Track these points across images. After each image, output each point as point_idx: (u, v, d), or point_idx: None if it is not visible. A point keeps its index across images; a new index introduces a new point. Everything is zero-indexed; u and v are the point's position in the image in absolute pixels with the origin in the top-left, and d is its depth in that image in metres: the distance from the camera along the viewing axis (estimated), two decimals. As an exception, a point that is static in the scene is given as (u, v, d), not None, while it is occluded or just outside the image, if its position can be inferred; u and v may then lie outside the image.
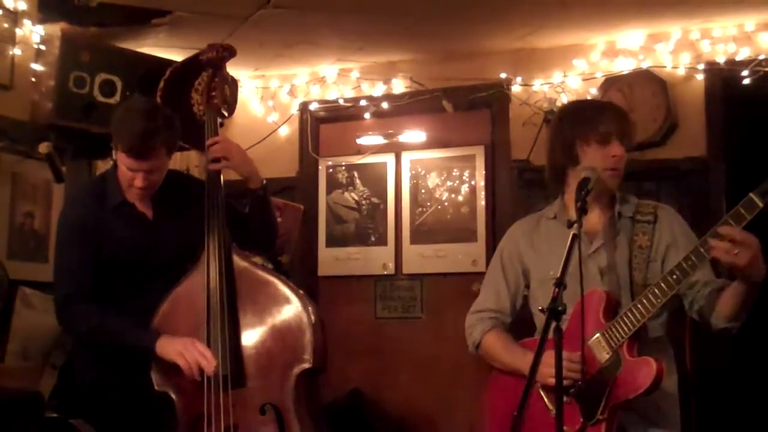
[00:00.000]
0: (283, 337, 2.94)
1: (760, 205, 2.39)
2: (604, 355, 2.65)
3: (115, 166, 3.16)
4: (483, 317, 3.01)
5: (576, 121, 2.82)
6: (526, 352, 2.78)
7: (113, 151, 3.10)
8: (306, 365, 2.90)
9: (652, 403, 2.70)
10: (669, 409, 2.78)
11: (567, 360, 2.53)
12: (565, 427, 2.60)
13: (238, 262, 3.05)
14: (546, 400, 2.73)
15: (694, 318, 2.77)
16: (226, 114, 3.21)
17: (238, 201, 3.27)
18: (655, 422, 2.74)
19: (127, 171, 3.05)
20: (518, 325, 3.04)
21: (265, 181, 3.24)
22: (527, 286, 2.99)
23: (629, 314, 2.62)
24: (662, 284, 2.57)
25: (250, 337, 2.97)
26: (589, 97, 4.67)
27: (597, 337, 2.66)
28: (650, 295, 2.59)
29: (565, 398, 2.60)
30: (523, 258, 2.97)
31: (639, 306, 2.61)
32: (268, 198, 3.28)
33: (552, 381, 2.52)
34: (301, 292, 3.02)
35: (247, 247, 3.17)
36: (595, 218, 2.83)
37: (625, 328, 2.62)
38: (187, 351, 2.89)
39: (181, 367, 2.89)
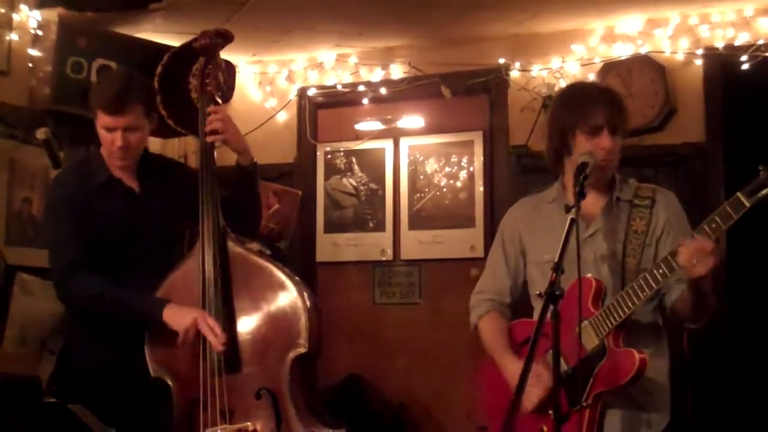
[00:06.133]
0: (278, 322, 2.94)
1: (747, 205, 2.40)
2: (590, 342, 2.67)
3: (98, 146, 3.19)
4: (481, 299, 3.06)
5: (568, 110, 2.81)
6: (505, 356, 2.89)
7: (94, 120, 3.13)
8: (301, 350, 2.90)
9: (641, 387, 2.71)
10: (658, 393, 2.80)
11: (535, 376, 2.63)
12: (549, 411, 2.66)
13: (233, 247, 3.06)
14: None
15: (666, 309, 2.79)
16: (220, 101, 3.20)
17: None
18: (643, 406, 2.76)
19: (107, 134, 3.09)
20: (517, 305, 3.09)
21: (256, 161, 3.25)
22: (525, 266, 3.02)
23: (616, 304, 2.64)
24: (648, 278, 2.59)
25: (246, 322, 2.98)
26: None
27: (585, 325, 2.67)
28: (636, 288, 2.61)
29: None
30: (522, 238, 2.99)
31: (626, 297, 2.63)
32: (256, 176, 3.28)
33: (529, 406, 2.71)
34: (297, 277, 3.02)
35: (232, 228, 3.17)
36: (592, 202, 2.82)
37: (612, 318, 2.64)
38: (197, 325, 2.89)
39: (179, 339, 2.91)
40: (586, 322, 2.67)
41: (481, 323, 3.02)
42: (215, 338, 2.87)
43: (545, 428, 2.73)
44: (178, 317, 2.94)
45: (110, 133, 3.09)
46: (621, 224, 2.80)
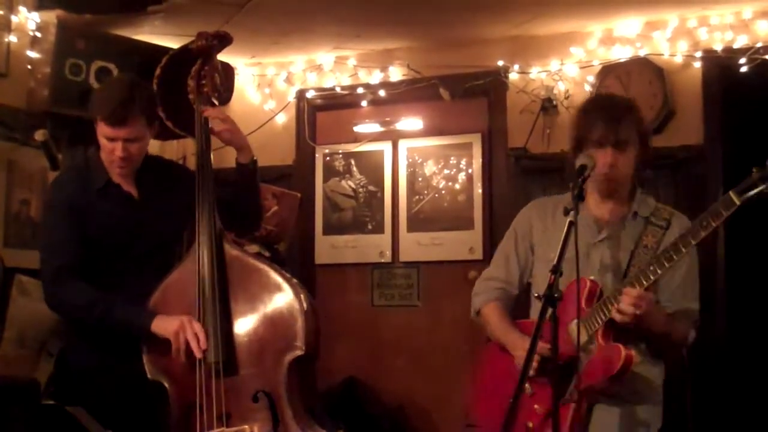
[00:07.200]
0: (274, 325, 2.93)
1: (737, 203, 2.47)
2: (581, 339, 2.70)
3: (97, 148, 3.18)
4: (490, 286, 3.11)
5: (579, 124, 2.91)
6: (512, 331, 2.94)
7: (94, 126, 3.10)
8: (298, 352, 2.89)
9: (633, 387, 2.76)
10: (650, 395, 2.85)
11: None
12: (536, 406, 2.72)
13: (229, 250, 3.04)
14: None
15: None
16: (216, 103, 3.19)
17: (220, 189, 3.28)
18: (635, 407, 2.81)
19: (107, 143, 3.07)
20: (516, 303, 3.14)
21: (255, 158, 3.24)
22: (533, 264, 3.07)
23: (607, 304, 2.71)
24: (634, 282, 2.66)
25: (242, 325, 2.97)
26: (587, 86, 4.68)
27: (575, 322, 2.70)
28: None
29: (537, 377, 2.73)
30: (533, 238, 3.05)
31: (614, 298, 2.69)
32: (256, 174, 3.28)
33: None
34: (294, 279, 3.02)
35: (232, 227, 3.16)
36: (608, 209, 2.92)
37: (601, 316, 2.71)
38: (183, 329, 2.89)
39: (172, 346, 2.90)
40: (576, 320, 2.69)
41: (485, 309, 3.07)
42: (195, 343, 2.87)
43: (530, 424, 2.77)
44: (165, 324, 2.93)
45: (111, 143, 3.07)
46: (633, 236, 2.87)
